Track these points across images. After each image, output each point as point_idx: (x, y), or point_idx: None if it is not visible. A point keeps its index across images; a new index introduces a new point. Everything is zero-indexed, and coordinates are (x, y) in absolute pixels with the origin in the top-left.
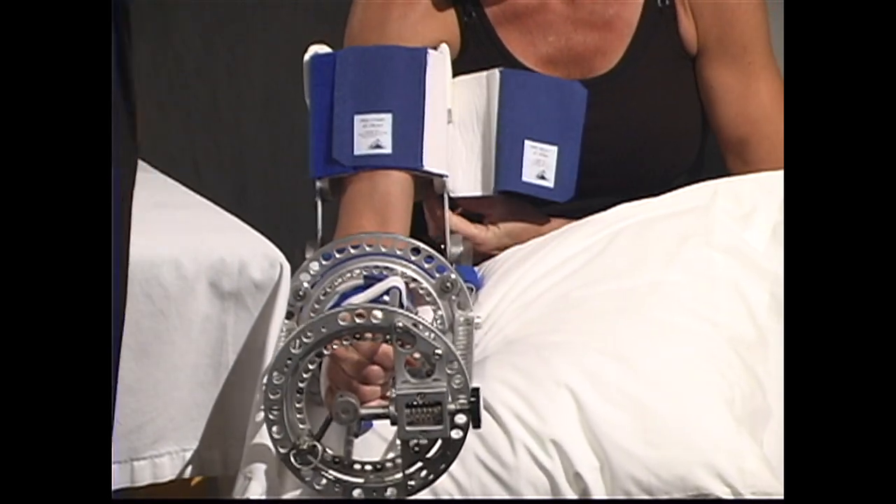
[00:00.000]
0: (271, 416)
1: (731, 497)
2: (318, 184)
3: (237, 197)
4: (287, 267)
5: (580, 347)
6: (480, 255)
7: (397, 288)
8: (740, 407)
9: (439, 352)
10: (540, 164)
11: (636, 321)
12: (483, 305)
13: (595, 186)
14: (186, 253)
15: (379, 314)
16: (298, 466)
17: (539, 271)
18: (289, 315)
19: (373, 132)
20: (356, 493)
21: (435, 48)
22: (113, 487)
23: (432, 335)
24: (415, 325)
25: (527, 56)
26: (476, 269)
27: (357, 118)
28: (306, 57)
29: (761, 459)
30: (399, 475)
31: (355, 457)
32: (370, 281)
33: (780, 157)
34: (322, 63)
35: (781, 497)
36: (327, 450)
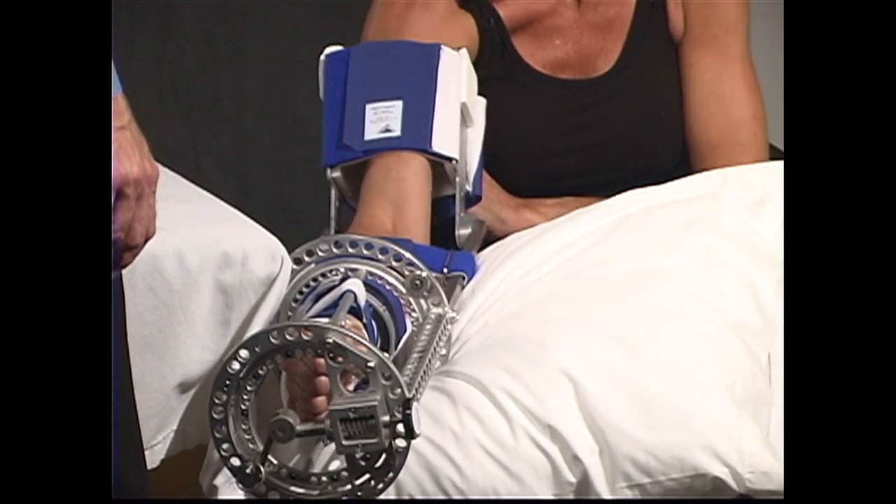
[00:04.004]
0: (218, 435)
1: (729, 478)
2: (330, 173)
3: (238, 189)
4: (288, 260)
5: (580, 332)
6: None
7: (351, 291)
8: (741, 391)
9: (371, 364)
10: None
11: (638, 304)
12: (486, 284)
13: (599, 183)
14: (190, 246)
15: (310, 331)
16: (247, 487)
17: (545, 252)
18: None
19: (383, 118)
20: None
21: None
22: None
23: (364, 348)
24: (345, 338)
25: (536, 60)
26: (479, 254)
27: (368, 107)
28: (322, 56)
29: (761, 441)
30: (349, 486)
31: (319, 465)
32: (342, 282)
33: (747, 145)
34: (336, 59)
35: (779, 474)
36: (282, 467)
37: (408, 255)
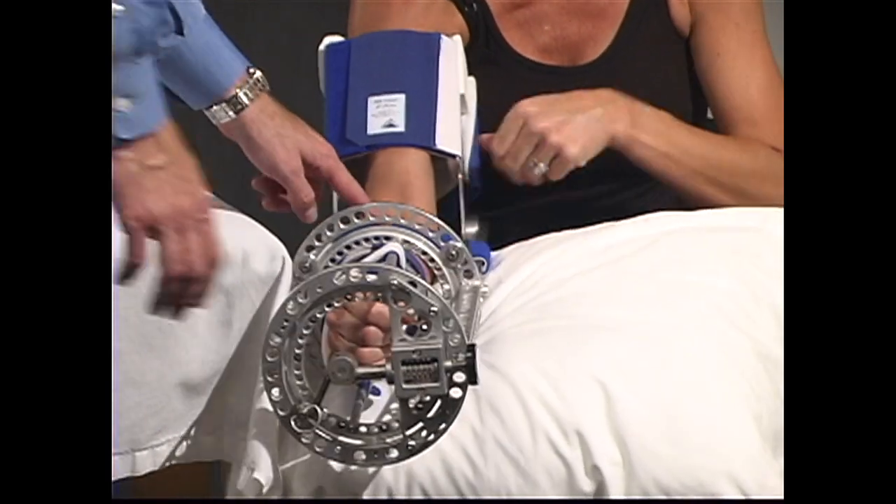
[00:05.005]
0: (270, 379)
1: None
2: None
3: (239, 189)
4: (289, 260)
5: (616, 336)
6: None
7: (394, 253)
8: (766, 424)
9: (435, 309)
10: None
11: (675, 316)
12: (516, 274)
13: (588, 173)
14: None
15: (374, 273)
16: (298, 430)
17: (581, 252)
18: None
19: (386, 112)
20: (357, 455)
21: (448, 36)
22: (115, 478)
23: (428, 293)
24: (410, 282)
25: (524, 46)
26: (499, 252)
27: (371, 100)
28: (321, 47)
29: (782, 478)
30: (400, 436)
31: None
32: (376, 249)
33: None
34: (337, 51)
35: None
36: (330, 414)
37: (444, 225)
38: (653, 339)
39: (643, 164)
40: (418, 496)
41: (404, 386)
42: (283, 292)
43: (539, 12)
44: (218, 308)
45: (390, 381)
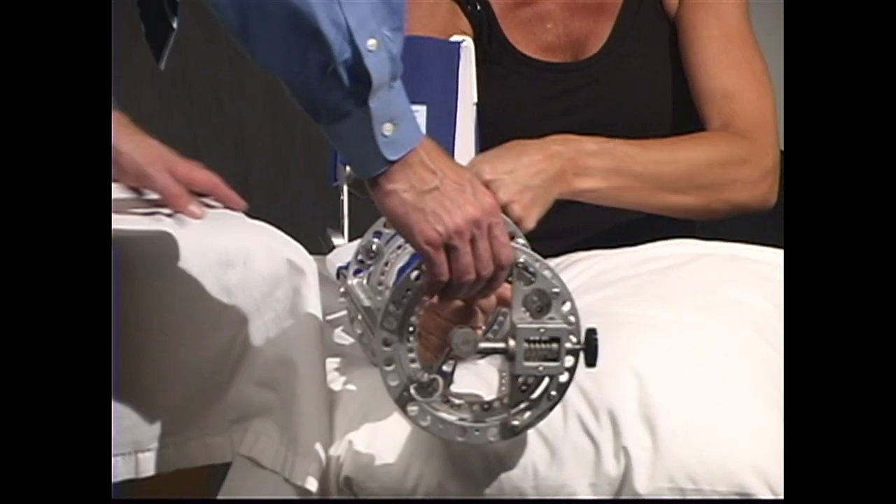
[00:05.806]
0: (385, 349)
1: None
2: (348, 169)
3: (240, 189)
4: (291, 261)
5: (653, 332)
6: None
7: None
8: None
9: (556, 290)
10: None
11: (710, 321)
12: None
13: None
14: (191, 247)
15: None
16: (416, 398)
17: (615, 263)
18: (357, 271)
19: None
20: (456, 432)
21: (460, 40)
22: (117, 479)
23: (552, 273)
24: (537, 261)
25: (528, 45)
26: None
27: None
28: None
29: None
30: (504, 415)
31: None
32: None
33: (763, 94)
34: None
35: None
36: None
37: (509, 221)
38: (687, 338)
39: (598, 202)
40: (444, 465)
41: (524, 363)
42: (285, 293)
43: (542, 10)
44: (220, 308)
45: (510, 358)
